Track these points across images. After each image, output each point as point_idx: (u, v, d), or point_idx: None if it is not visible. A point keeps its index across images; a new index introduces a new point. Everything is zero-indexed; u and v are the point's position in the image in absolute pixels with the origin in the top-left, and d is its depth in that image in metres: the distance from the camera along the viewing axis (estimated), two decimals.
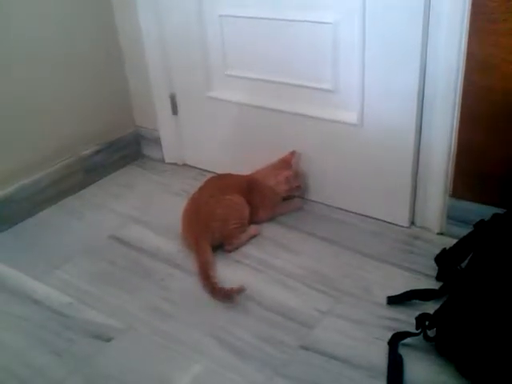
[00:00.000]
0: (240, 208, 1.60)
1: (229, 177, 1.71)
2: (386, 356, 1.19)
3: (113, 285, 1.48)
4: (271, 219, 1.70)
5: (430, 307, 1.24)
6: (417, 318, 1.19)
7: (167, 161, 2.13)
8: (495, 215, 1.33)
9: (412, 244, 1.56)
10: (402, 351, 1.19)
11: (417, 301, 1.32)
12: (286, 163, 1.70)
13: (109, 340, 1.30)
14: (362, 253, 1.53)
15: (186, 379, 1.19)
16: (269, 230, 1.67)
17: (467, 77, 1.37)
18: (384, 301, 1.34)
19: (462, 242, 1.37)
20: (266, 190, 1.68)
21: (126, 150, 2.13)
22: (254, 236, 1.63)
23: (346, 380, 1.16)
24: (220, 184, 1.66)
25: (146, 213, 1.81)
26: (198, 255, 1.50)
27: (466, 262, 1.31)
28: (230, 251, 1.57)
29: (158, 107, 2.04)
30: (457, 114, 1.43)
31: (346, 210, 1.73)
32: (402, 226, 1.63)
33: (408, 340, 1.20)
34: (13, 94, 1.73)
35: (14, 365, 1.26)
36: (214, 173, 1.90)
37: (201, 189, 1.65)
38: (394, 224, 1.64)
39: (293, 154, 1.71)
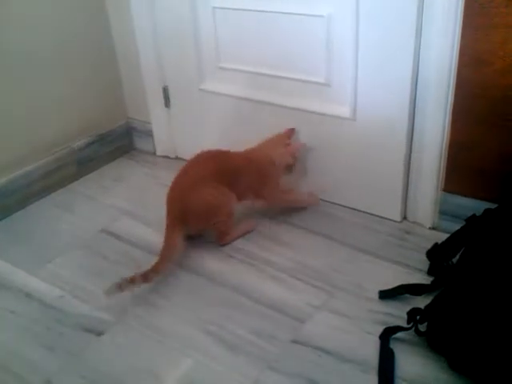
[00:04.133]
0: (220, 203, 1.52)
1: (218, 159, 1.58)
2: (378, 350, 1.19)
3: (104, 278, 1.47)
4: (282, 205, 1.69)
5: (422, 302, 1.25)
6: (408, 313, 1.20)
7: (159, 153, 2.12)
8: (487, 210, 1.33)
9: (404, 238, 1.56)
10: (393, 345, 1.19)
11: (408, 295, 1.32)
12: (286, 138, 1.66)
13: (100, 334, 1.30)
14: (354, 247, 1.54)
15: (177, 373, 1.19)
16: (261, 224, 1.66)
17: (460, 71, 1.37)
18: (376, 295, 1.35)
19: (454, 237, 1.37)
20: (265, 168, 1.60)
21: (117, 143, 2.12)
22: (249, 232, 1.62)
23: (337, 374, 1.16)
24: (206, 170, 1.54)
25: (138, 206, 1.80)
26: (165, 239, 1.47)
27: (458, 256, 1.32)
28: (222, 245, 1.56)
29: (151, 100, 2.02)
30: (449, 108, 1.43)
31: (339, 204, 1.73)
32: (394, 221, 1.63)
33: (399, 334, 1.21)
34: (4, 88, 1.71)
35: (5, 359, 1.25)
36: None
37: (186, 168, 1.57)
38: (386, 218, 1.64)
39: (292, 130, 1.67)
